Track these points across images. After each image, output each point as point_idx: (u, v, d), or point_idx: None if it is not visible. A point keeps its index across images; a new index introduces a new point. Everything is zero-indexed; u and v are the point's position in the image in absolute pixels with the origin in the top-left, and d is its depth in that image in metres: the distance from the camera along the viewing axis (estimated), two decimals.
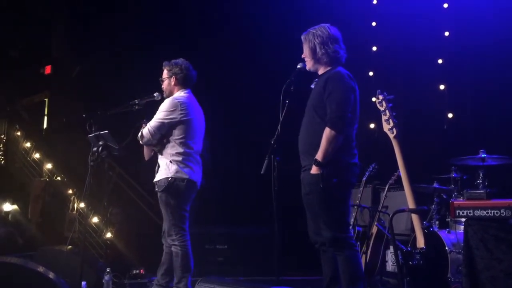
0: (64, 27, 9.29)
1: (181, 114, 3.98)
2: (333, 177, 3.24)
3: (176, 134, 4.00)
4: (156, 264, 5.60)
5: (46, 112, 10.09)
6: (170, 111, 3.98)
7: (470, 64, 5.90)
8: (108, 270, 4.70)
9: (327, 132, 3.25)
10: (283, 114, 3.36)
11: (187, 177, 3.95)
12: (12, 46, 9.54)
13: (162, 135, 4.02)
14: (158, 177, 4.01)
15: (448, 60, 6.18)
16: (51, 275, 3.67)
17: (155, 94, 4.20)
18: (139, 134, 4.05)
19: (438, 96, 6.20)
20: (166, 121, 3.98)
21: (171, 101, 4.01)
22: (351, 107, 3.33)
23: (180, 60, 4.19)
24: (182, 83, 4.15)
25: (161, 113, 4.00)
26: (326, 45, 3.43)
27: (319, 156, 3.24)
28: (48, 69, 9.94)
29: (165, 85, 4.21)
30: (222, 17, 7.52)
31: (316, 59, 3.49)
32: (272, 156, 3.27)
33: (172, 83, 4.16)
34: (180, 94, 4.13)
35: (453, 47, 6.11)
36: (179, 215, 3.96)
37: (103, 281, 4.68)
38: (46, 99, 10.14)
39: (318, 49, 3.45)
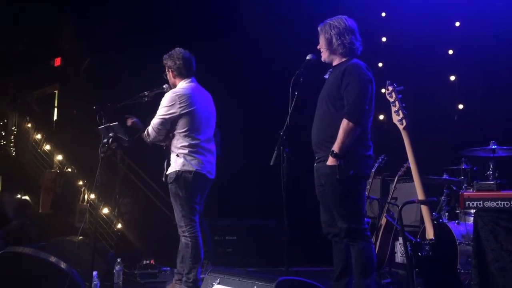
0: (74, 19, 9.32)
1: (181, 107, 3.97)
2: (350, 169, 3.24)
3: (180, 127, 4.00)
4: (166, 255, 5.67)
5: (56, 104, 10.17)
6: (170, 106, 3.97)
7: (481, 55, 5.84)
8: (118, 260, 4.75)
9: (344, 123, 3.25)
10: (292, 106, 3.35)
11: (193, 169, 3.96)
12: (22, 39, 9.59)
13: (167, 130, 4.03)
14: (169, 170, 4.05)
15: (459, 50, 6.13)
16: (63, 265, 3.73)
17: (164, 86, 4.21)
18: (145, 132, 4.06)
19: (449, 87, 6.16)
20: (167, 116, 3.98)
21: (170, 96, 4.00)
22: (368, 99, 3.33)
23: (174, 51, 4.14)
24: (179, 74, 4.12)
25: (161, 109, 4.00)
26: (342, 36, 3.42)
27: (336, 147, 3.24)
28: (57, 61, 9.99)
29: (168, 79, 4.21)
30: (233, 5, 7.49)
31: (332, 50, 3.48)
32: (281, 147, 3.27)
33: (171, 76, 4.16)
34: (181, 85, 4.11)
35: (464, 38, 6.05)
36: (189, 207, 3.98)
37: (114, 271, 4.73)
38: (56, 91, 10.21)
39: (334, 40, 3.44)
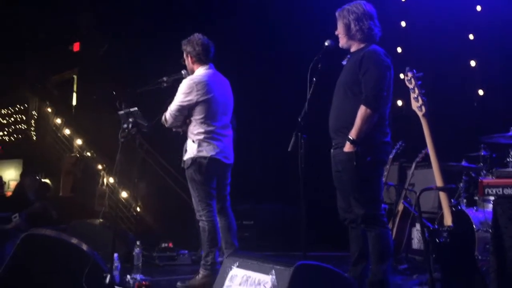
0: (92, 4, 9.36)
1: (198, 94, 3.99)
2: (367, 155, 3.25)
3: (196, 114, 4.03)
4: (184, 238, 5.75)
5: (75, 89, 10.27)
6: (187, 93, 4.00)
7: (501, 40, 5.74)
8: (138, 243, 4.84)
9: (362, 110, 3.24)
10: (310, 92, 3.35)
11: (208, 155, 4.00)
12: (42, 24, 9.68)
13: (185, 116, 4.06)
14: (186, 156, 4.10)
15: (479, 35, 6.02)
16: (84, 247, 3.80)
17: (183, 72, 4.23)
18: (163, 118, 4.10)
19: (469, 73, 6.07)
20: (184, 103, 4.01)
21: (187, 83, 4.03)
22: (387, 86, 3.31)
23: (193, 37, 4.15)
24: (198, 60, 4.14)
25: (179, 96, 4.03)
26: (360, 21, 3.40)
27: (353, 134, 3.25)
28: (76, 47, 10.08)
29: (187, 64, 4.23)
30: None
31: (350, 36, 3.46)
32: (299, 133, 3.28)
33: (190, 62, 4.17)
34: (199, 72, 4.13)
35: (485, 22, 5.94)
36: (205, 192, 4.03)
37: (133, 253, 4.83)
38: (75, 76, 10.31)
39: (352, 26, 3.42)
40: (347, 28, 3.45)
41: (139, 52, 7.85)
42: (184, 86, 4.04)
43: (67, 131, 8.57)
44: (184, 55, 4.21)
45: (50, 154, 8.57)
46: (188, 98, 4.00)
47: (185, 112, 4.05)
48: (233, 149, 4.22)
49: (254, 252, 4.27)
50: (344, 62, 3.55)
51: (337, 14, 3.52)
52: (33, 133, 9.38)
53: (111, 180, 7.30)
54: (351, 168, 3.27)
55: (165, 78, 4.23)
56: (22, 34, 9.34)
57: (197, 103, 4.01)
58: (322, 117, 3.64)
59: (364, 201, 3.34)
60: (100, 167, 7.66)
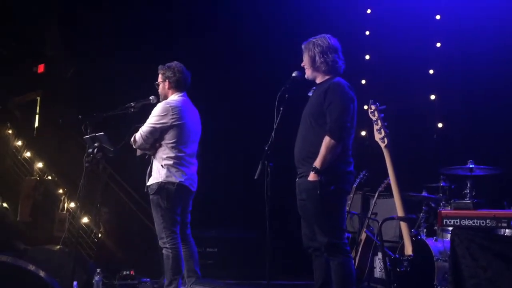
0: (58, 26, 9.28)
1: (172, 118, 4.01)
2: (331, 184, 3.32)
3: (168, 138, 4.03)
4: (146, 266, 5.64)
5: (37, 111, 10.06)
6: (162, 115, 4.01)
7: (460, 75, 5.99)
8: (98, 270, 4.72)
9: (327, 140, 3.32)
10: (277, 121, 3.42)
11: (177, 181, 3.98)
12: (5, 44, 9.51)
13: (155, 139, 4.05)
14: (151, 181, 4.06)
15: (439, 70, 6.27)
16: (42, 273, 3.69)
17: (151, 98, 4.24)
18: (132, 138, 4.08)
19: (429, 106, 6.29)
20: (157, 125, 4.01)
21: (163, 106, 4.05)
22: (350, 117, 3.41)
23: (174, 63, 4.21)
24: (175, 86, 4.19)
25: (153, 118, 4.03)
26: (325, 54, 3.52)
27: (317, 163, 3.31)
28: (41, 68, 9.91)
29: (160, 89, 4.25)
30: (218, 23, 7.57)
31: (315, 68, 3.57)
32: (266, 161, 3.33)
33: (166, 86, 4.20)
34: (173, 98, 4.17)
35: (444, 58, 6.20)
36: (170, 218, 3.99)
37: (93, 281, 4.70)
38: (38, 98, 10.11)
39: (317, 58, 3.53)
40: (312, 60, 3.56)
41: (106, 77, 7.80)
42: (159, 109, 4.05)
43: (27, 154, 8.35)
44: (160, 79, 4.23)
45: (9, 177, 8.30)
46: (163, 120, 4.01)
47: (157, 135, 4.04)
48: (197, 178, 4.22)
49: (217, 280, 4.24)
50: (310, 94, 3.65)
51: (303, 46, 3.63)
52: None
53: (72, 204, 7.13)
54: (315, 196, 3.33)
55: (132, 104, 4.22)
56: None
57: (170, 127, 4.01)
58: (288, 146, 3.70)
59: (327, 229, 3.39)
60: (61, 191, 7.47)
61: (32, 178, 7.90)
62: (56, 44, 9.34)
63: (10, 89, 9.55)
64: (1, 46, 9.48)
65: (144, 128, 4.04)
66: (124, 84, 7.04)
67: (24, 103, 10.12)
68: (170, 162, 4.01)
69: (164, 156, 4.03)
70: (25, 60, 9.68)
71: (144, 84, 4.39)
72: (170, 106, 4.04)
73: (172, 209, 4.00)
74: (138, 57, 7.38)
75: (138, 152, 4.18)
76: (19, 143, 8.54)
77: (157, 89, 4.27)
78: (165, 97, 4.21)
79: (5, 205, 7.64)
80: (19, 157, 8.33)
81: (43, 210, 7.41)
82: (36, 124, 9.93)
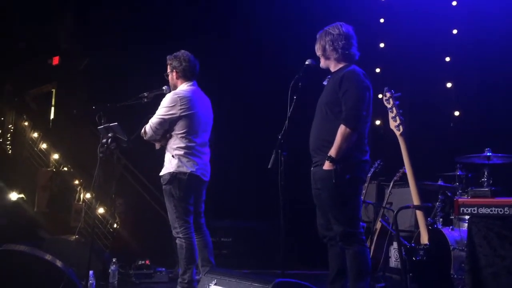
0: (72, 18, 9.33)
1: (181, 109, 3.99)
2: (346, 174, 3.29)
3: (178, 128, 4.02)
4: (161, 255, 5.68)
5: (53, 103, 10.16)
6: (170, 106, 4.00)
7: (477, 62, 5.89)
8: (114, 260, 4.76)
9: (342, 129, 3.29)
10: (290, 110, 3.40)
11: (188, 171, 3.98)
12: (21, 37, 9.59)
13: (165, 130, 4.05)
14: (163, 171, 4.07)
15: (456, 58, 6.18)
16: (58, 263, 3.74)
17: (163, 88, 4.23)
18: (142, 130, 4.08)
19: (445, 94, 6.20)
20: (166, 117, 4.00)
21: (171, 97, 4.03)
22: (366, 106, 3.38)
23: (180, 52, 4.18)
24: (183, 75, 4.16)
25: (161, 109, 4.02)
26: (335, 42, 3.49)
27: (332, 152, 3.29)
28: (56, 60, 9.98)
29: (169, 79, 4.24)
30: (231, 14, 7.53)
31: (326, 56, 3.57)
32: (279, 150, 3.31)
33: (174, 77, 4.19)
34: (182, 87, 4.15)
35: (461, 45, 6.10)
36: (183, 208, 4.00)
37: (109, 271, 4.75)
38: (54, 90, 10.20)
39: (327, 46, 3.53)
40: (323, 49, 3.56)
41: (119, 67, 7.82)
42: (167, 99, 4.03)
43: (43, 146, 8.44)
44: (168, 70, 4.22)
45: (26, 169, 8.41)
46: (171, 112, 4.00)
47: (166, 126, 4.04)
48: (210, 167, 4.22)
49: (232, 270, 4.24)
50: (325, 82, 3.62)
51: (317, 36, 3.61)
52: (8, 147, 9.21)
53: (88, 195, 7.19)
54: (330, 186, 3.31)
55: (145, 94, 4.22)
56: (0, 46, 9.23)
57: (179, 118, 4.00)
58: (303, 135, 3.68)
59: (343, 219, 3.37)
60: (76, 182, 7.54)
61: (48, 169, 8.00)
62: (70, 37, 9.40)
63: (26, 82, 9.65)
64: (17, 40, 9.58)
65: (154, 120, 4.03)
66: (137, 75, 7.05)
67: (39, 95, 10.23)
68: (181, 152, 4.01)
69: (175, 147, 4.02)
70: (40, 53, 9.76)
71: (156, 75, 4.38)
72: (178, 96, 4.03)
73: (184, 199, 4.00)
74: (151, 49, 7.38)
75: (157, 146, 4.18)
76: (35, 135, 8.64)
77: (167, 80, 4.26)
78: (175, 87, 4.19)
79: (22, 196, 7.75)
80: (35, 148, 8.43)
81: (59, 201, 7.51)
82: (52, 116, 10.03)
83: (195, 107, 4.06)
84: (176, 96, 4.03)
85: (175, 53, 4.19)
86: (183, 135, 4.02)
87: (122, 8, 8.14)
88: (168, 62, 4.20)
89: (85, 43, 8.91)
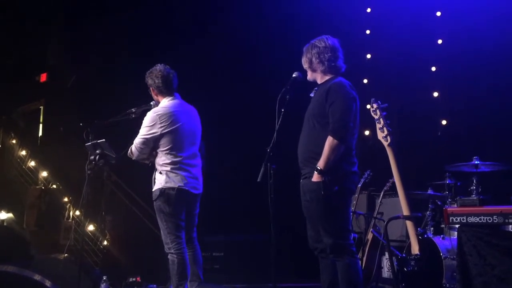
0: (60, 35, 9.31)
1: (161, 126, 3.97)
2: (334, 185, 3.30)
3: (162, 145, 4.00)
4: (152, 271, 5.63)
5: (41, 120, 10.09)
6: (150, 126, 3.98)
7: (463, 71, 5.96)
8: (104, 278, 4.71)
9: (329, 141, 3.31)
10: (278, 122, 3.41)
11: (176, 186, 3.96)
12: (8, 54, 9.54)
13: (151, 148, 4.04)
14: (154, 188, 4.05)
15: (442, 67, 6.25)
16: (47, 283, 3.69)
17: (151, 103, 4.22)
18: (129, 151, 4.07)
19: (432, 103, 6.25)
20: (148, 136, 3.99)
21: (151, 116, 4.01)
22: (353, 117, 3.40)
23: (155, 68, 4.14)
24: (160, 92, 4.14)
25: (143, 129, 4.01)
26: (321, 54, 3.52)
27: (321, 164, 3.30)
28: (43, 77, 9.95)
29: (153, 96, 4.23)
30: (219, 27, 7.57)
31: (313, 69, 3.59)
32: (268, 164, 3.31)
33: (153, 94, 4.18)
34: (163, 103, 4.11)
35: (446, 55, 6.17)
36: (173, 224, 3.97)
37: None
38: (42, 107, 10.14)
39: (313, 59, 3.55)
40: (310, 62, 3.58)
41: (107, 84, 7.81)
42: (147, 119, 4.02)
43: (32, 163, 8.38)
44: (148, 87, 4.21)
45: (14, 187, 8.32)
46: (152, 131, 3.98)
47: (151, 144, 4.02)
48: (202, 177, 4.19)
49: (221, 285, 4.22)
50: (311, 94, 3.64)
51: (304, 49, 3.64)
52: None
53: (77, 212, 7.13)
54: (319, 197, 3.31)
55: (133, 109, 4.21)
56: None
57: (161, 135, 3.98)
58: (291, 148, 3.68)
59: (332, 230, 3.36)
60: (66, 199, 7.48)
61: (37, 187, 7.92)
62: (58, 53, 9.38)
63: (13, 99, 9.59)
64: (3, 56, 9.53)
65: (137, 140, 4.02)
66: (124, 91, 7.04)
67: (27, 112, 10.16)
68: (168, 168, 3.99)
69: (161, 163, 4.01)
70: (28, 70, 9.71)
71: (145, 91, 4.37)
72: (157, 114, 3.99)
73: (174, 214, 3.98)
74: (139, 63, 7.37)
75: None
76: (23, 152, 8.57)
77: None
78: (158, 103, 4.17)
79: (10, 214, 7.66)
80: (23, 166, 8.36)
81: (48, 218, 7.43)
82: (40, 133, 9.96)
83: (179, 120, 4.03)
84: (155, 114, 4.00)
85: (151, 69, 4.16)
86: (167, 151, 4.00)
87: (108, 24, 8.15)
88: (146, 80, 4.18)
89: (72, 59, 8.89)
